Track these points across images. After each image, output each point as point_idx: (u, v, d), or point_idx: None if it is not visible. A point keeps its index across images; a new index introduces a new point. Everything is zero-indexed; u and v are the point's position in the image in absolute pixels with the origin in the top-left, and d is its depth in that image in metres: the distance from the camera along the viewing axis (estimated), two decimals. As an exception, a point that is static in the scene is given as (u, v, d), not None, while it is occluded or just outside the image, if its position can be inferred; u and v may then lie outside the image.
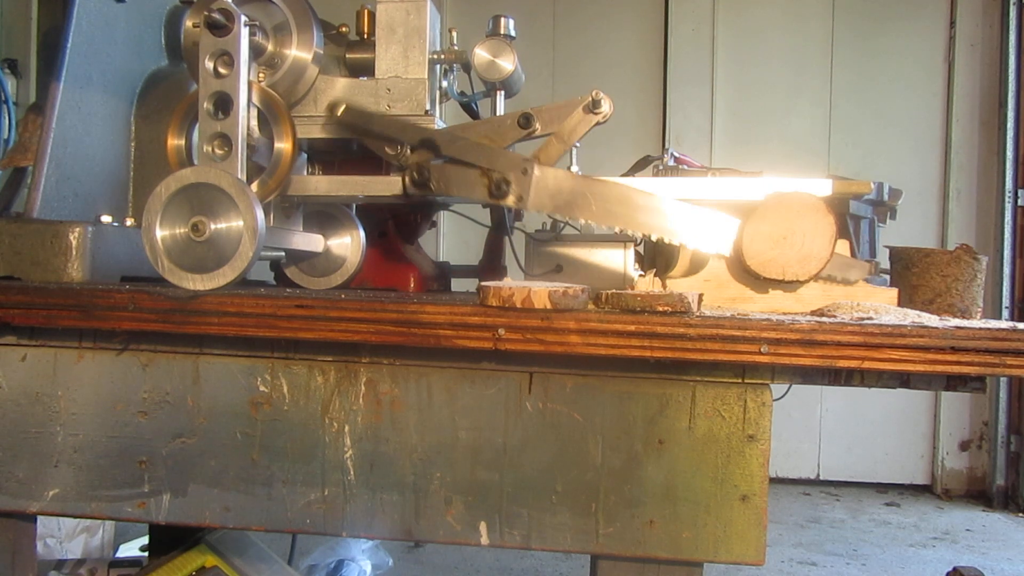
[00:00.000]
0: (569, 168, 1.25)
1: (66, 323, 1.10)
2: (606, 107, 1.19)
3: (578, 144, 1.26)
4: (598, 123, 1.20)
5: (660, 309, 0.99)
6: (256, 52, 1.22)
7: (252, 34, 1.19)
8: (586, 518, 1.07)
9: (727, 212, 1.16)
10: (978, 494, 4.73)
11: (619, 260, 1.42)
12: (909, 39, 4.82)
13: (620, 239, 1.44)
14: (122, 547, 3.14)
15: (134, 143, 1.48)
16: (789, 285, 1.15)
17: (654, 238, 1.16)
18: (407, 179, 1.22)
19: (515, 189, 1.16)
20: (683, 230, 1.15)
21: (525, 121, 1.22)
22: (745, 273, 1.15)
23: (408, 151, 1.22)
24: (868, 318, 1.00)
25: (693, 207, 1.14)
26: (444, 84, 1.37)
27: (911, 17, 4.81)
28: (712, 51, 4.92)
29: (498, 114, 1.35)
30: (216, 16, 1.15)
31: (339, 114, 1.23)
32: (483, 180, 1.18)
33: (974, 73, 4.76)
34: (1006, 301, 4.58)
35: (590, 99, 1.19)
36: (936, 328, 0.94)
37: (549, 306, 1.00)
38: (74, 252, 1.20)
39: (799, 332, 0.96)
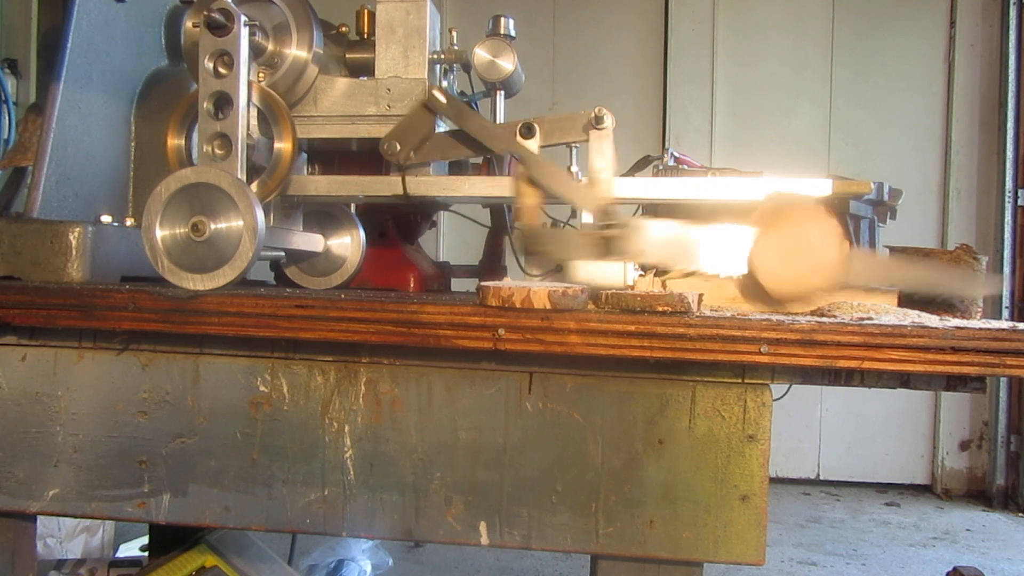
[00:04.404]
0: (569, 168, 1.25)
1: (66, 323, 1.10)
2: (608, 123, 1.19)
3: (577, 145, 1.26)
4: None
5: (660, 309, 0.99)
6: (256, 52, 1.22)
7: (252, 34, 1.19)
8: (586, 518, 1.07)
9: (728, 214, 1.16)
10: (978, 494, 4.73)
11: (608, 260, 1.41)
12: (909, 39, 4.82)
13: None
14: (122, 547, 3.14)
15: (134, 143, 1.48)
16: (808, 299, 1.11)
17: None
18: (520, 248, 1.20)
19: (626, 246, 1.15)
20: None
21: (527, 131, 1.22)
22: (762, 294, 1.13)
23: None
24: (868, 318, 1.00)
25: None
26: (444, 84, 1.37)
27: (911, 17, 4.81)
28: (712, 51, 4.92)
29: (498, 114, 1.35)
30: (216, 16, 1.15)
31: (441, 102, 1.23)
32: (600, 243, 1.17)
33: (974, 73, 4.76)
34: (1006, 301, 4.58)
35: (593, 115, 1.19)
36: (936, 328, 0.94)
37: (549, 306, 1.00)
38: (74, 252, 1.20)
39: (799, 332, 0.96)
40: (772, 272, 1.12)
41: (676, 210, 1.29)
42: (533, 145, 1.23)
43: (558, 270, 1.37)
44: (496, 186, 1.28)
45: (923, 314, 1.06)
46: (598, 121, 1.19)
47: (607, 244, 1.15)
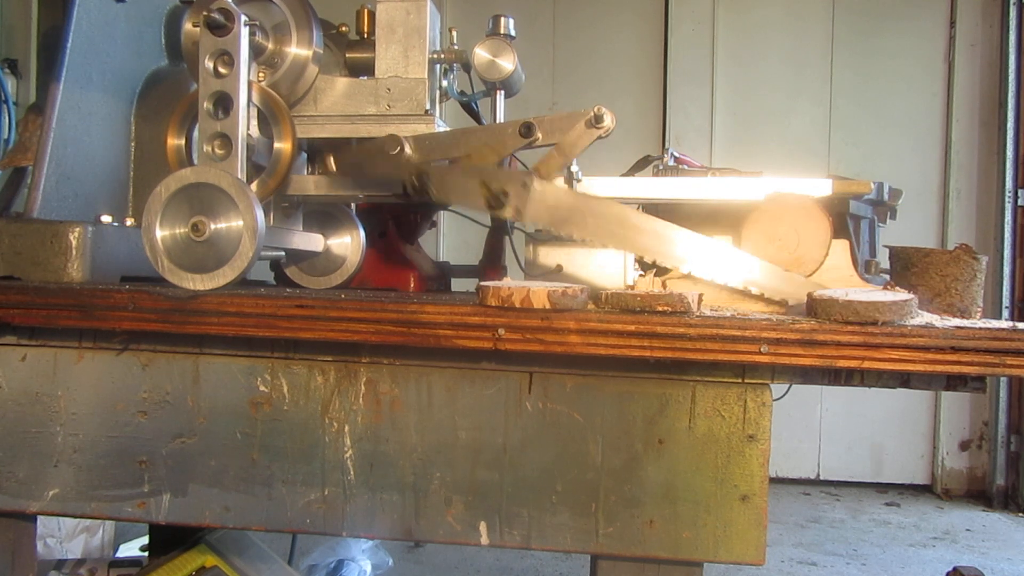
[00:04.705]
0: (569, 168, 1.25)
1: (66, 323, 1.10)
2: (608, 122, 1.19)
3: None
4: (600, 137, 1.20)
5: (660, 309, 0.99)
6: (256, 52, 1.22)
7: (252, 34, 1.19)
8: (586, 518, 1.07)
9: (727, 213, 1.16)
10: (978, 494, 4.73)
11: (619, 260, 1.42)
12: (909, 39, 4.82)
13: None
14: (122, 547, 3.14)
15: (134, 143, 1.48)
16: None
17: (648, 260, 1.17)
18: (408, 184, 1.22)
19: (513, 201, 1.17)
20: (679, 255, 1.15)
21: (527, 130, 1.22)
22: None
23: (410, 151, 1.22)
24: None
25: (690, 233, 1.14)
26: (444, 84, 1.36)
27: (911, 17, 4.81)
28: (712, 51, 4.92)
29: (498, 114, 1.35)
30: (216, 16, 1.15)
31: (333, 168, 1.27)
32: (482, 190, 1.18)
33: (974, 73, 4.76)
34: (1006, 301, 4.58)
35: (592, 114, 1.19)
36: (936, 328, 0.94)
37: (548, 306, 1.00)
38: (74, 252, 1.20)
39: (799, 332, 0.96)
40: (755, 254, 1.14)
41: (676, 211, 1.29)
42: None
43: (558, 270, 1.37)
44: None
45: (923, 314, 1.06)
46: (597, 120, 1.19)
47: (498, 197, 1.16)
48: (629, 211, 1.17)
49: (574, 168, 1.25)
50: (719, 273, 1.14)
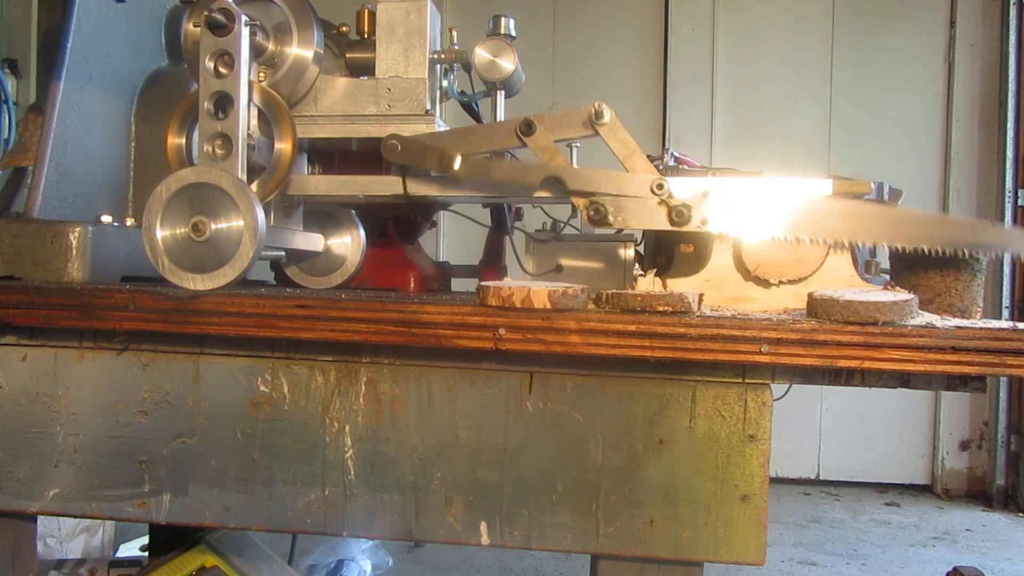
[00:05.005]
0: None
1: (66, 323, 1.10)
2: (607, 118, 1.19)
3: (578, 144, 1.26)
4: (600, 134, 1.20)
5: (660, 309, 0.99)
6: (256, 52, 1.22)
7: (252, 34, 1.19)
8: (586, 518, 1.07)
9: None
10: (978, 494, 4.73)
11: (619, 260, 1.42)
12: (909, 39, 4.82)
13: (621, 239, 1.44)
14: (122, 547, 3.14)
15: (134, 143, 1.48)
16: (785, 287, 1.15)
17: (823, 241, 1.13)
18: (588, 215, 1.17)
19: (696, 212, 1.15)
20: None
21: (527, 128, 1.22)
22: (747, 273, 1.15)
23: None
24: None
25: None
26: (444, 84, 1.36)
27: (911, 17, 4.81)
28: (712, 51, 4.92)
29: (499, 114, 1.35)
30: (216, 16, 1.15)
31: (456, 169, 1.22)
32: (662, 208, 1.17)
33: (974, 73, 4.76)
34: (1006, 301, 4.58)
35: (592, 111, 1.19)
36: (936, 328, 0.94)
37: (549, 306, 1.00)
38: (74, 252, 1.20)
39: (799, 332, 0.96)
40: (756, 254, 1.14)
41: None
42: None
43: (559, 270, 1.37)
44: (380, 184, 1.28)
45: (923, 314, 1.06)
46: (598, 116, 1.19)
47: (679, 211, 1.15)
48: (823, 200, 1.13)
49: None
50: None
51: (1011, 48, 4.63)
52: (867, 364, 0.95)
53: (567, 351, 1.00)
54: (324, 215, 1.47)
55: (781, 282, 1.14)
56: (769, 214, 1.14)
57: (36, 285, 1.13)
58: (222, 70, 1.17)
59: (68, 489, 1.17)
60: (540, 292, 1.00)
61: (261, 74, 1.25)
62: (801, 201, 1.13)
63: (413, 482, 1.11)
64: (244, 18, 1.16)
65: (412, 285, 1.63)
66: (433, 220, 1.79)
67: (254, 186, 1.22)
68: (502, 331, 1.00)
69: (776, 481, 4.78)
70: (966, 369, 0.94)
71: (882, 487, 4.84)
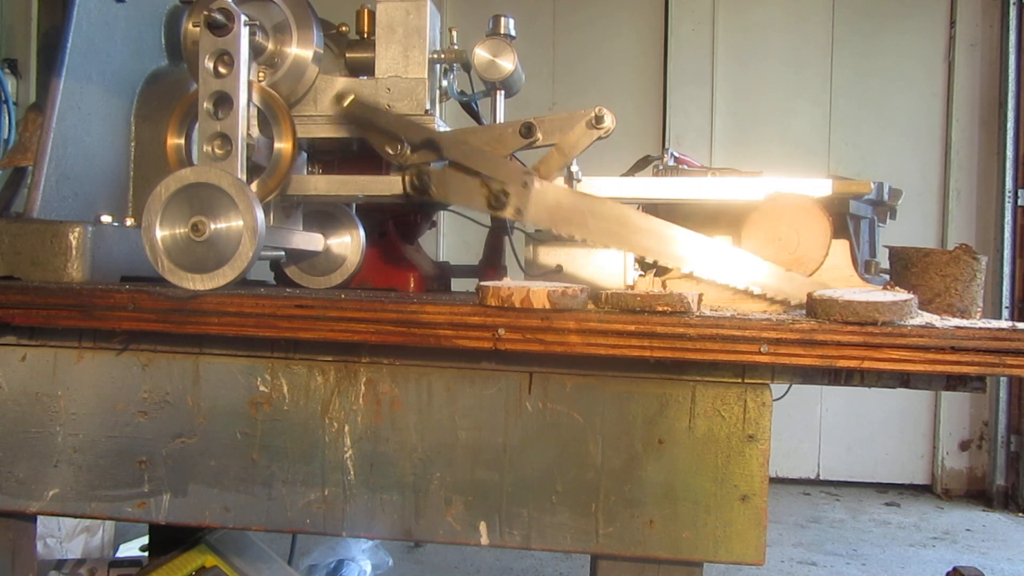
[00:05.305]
0: (568, 168, 1.25)
1: (66, 323, 1.10)
2: (608, 122, 1.19)
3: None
4: (600, 138, 1.20)
5: (660, 309, 0.99)
6: (256, 51, 1.22)
7: (252, 33, 1.19)
8: (586, 518, 1.07)
9: (727, 213, 1.16)
10: (978, 494, 4.73)
11: (619, 260, 1.41)
12: (909, 39, 4.82)
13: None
14: (122, 547, 3.14)
15: (134, 143, 1.48)
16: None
17: (649, 260, 1.17)
18: (406, 182, 1.22)
19: (514, 201, 1.17)
20: (680, 255, 1.15)
21: (527, 131, 1.22)
22: None
23: (409, 151, 1.22)
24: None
25: (692, 234, 1.14)
26: (444, 84, 1.36)
27: (911, 17, 4.81)
28: (712, 51, 4.92)
29: (498, 114, 1.35)
30: (216, 16, 1.15)
31: (345, 105, 1.23)
32: (483, 190, 1.18)
33: (974, 73, 4.76)
34: (1006, 301, 4.58)
35: (593, 114, 1.19)
36: (936, 328, 0.94)
37: (548, 306, 1.00)
38: (74, 252, 1.20)
39: (799, 332, 0.96)
40: (755, 253, 1.14)
41: (676, 210, 1.29)
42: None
43: (558, 270, 1.37)
44: (381, 183, 1.28)
45: (923, 314, 1.06)
46: (598, 120, 1.19)
47: (499, 197, 1.16)
48: (630, 211, 1.17)
49: (574, 168, 1.25)
50: (721, 273, 1.14)
51: (1011, 48, 4.62)
52: (867, 364, 0.95)
53: (566, 351, 1.00)
54: (324, 215, 1.47)
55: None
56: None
57: (36, 285, 1.13)
58: (222, 70, 1.17)
59: (68, 489, 1.17)
60: (539, 292, 1.00)
61: (261, 74, 1.25)
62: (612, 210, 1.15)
63: (413, 482, 1.11)
64: (244, 18, 1.16)
65: (412, 285, 1.63)
66: (433, 220, 1.79)
67: (254, 186, 1.22)
68: (501, 331, 1.00)
69: (776, 481, 4.78)
70: (966, 369, 0.94)
71: (882, 487, 4.84)
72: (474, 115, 1.48)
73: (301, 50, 1.26)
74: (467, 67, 1.35)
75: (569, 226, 1.17)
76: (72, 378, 1.17)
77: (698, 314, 1.00)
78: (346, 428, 1.12)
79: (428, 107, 1.28)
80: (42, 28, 1.52)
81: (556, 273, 1.40)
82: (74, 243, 1.20)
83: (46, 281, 1.18)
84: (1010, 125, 4.62)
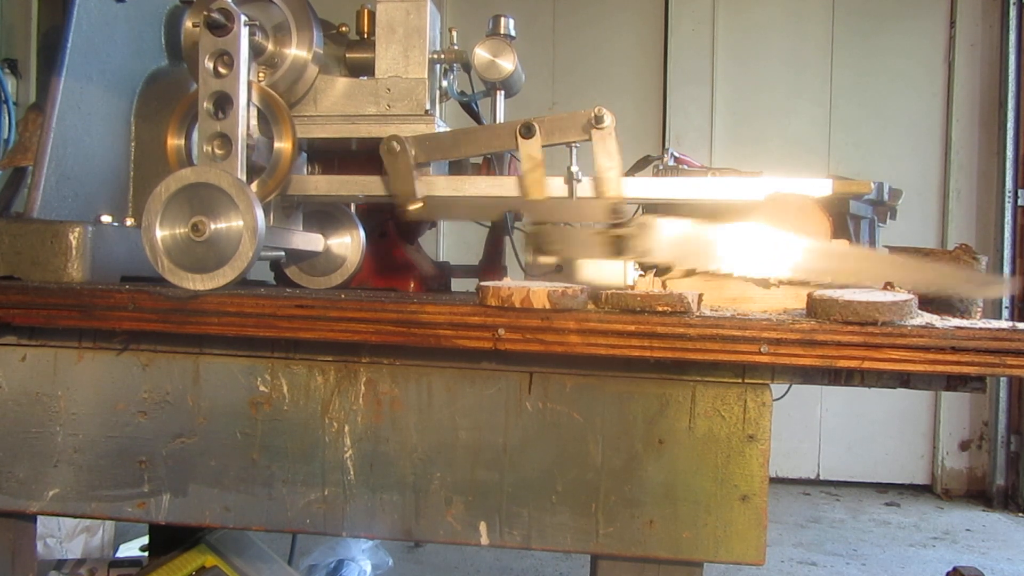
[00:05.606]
0: (569, 168, 1.25)
1: (66, 323, 1.10)
2: (608, 122, 1.19)
3: (577, 145, 1.26)
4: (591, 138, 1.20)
5: (660, 309, 0.99)
6: (256, 52, 1.22)
7: (252, 34, 1.19)
8: (586, 518, 1.07)
9: (728, 213, 1.16)
10: (978, 494, 4.73)
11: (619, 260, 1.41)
12: (909, 39, 4.82)
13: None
14: (122, 547, 3.14)
15: (134, 143, 1.48)
16: (784, 287, 1.15)
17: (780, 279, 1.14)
18: (531, 249, 1.20)
19: (637, 245, 1.16)
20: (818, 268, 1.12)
21: (527, 131, 1.22)
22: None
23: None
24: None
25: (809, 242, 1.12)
26: (444, 84, 1.37)
27: (911, 17, 4.81)
28: (712, 51, 4.91)
29: (498, 114, 1.35)
30: (216, 16, 1.15)
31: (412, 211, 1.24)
32: (608, 244, 1.17)
33: (974, 73, 4.76)
34: (1006, 301, 4.57)
35: (592, 115, 1.19)
36: (936, 328, 0.94)
37: (548, 306, 1.00)
38: (74, 252, 1.20)
39: (799, 332, 0.96)
40: None
41: (675, 210, 1.29)
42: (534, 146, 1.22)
43: (558, 270, 1.37)
44: (498, 185, 1.28)
45: (923, 314, 1.06)
46: (598, 120, 1.19)
47: (618, 243, 1.16)
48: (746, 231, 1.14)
49: (574, 168, 1.25)
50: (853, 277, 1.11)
51: (1011, 48, 4.62)
52: (867, 364, 0.95)
53: (567, 351, 1.00)
54: (324, 215, 1.47)
55: (781, 282, 1.14)
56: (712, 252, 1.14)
57: (36, 285, 1.13)
58: (221, 70, 1.17)
59: (68, 489, 1.17)
60: (539, 292, 1.00)
61: (260, 74, 1.25)
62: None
63: (413, 482, 1.11)
64: (243, 18, 1.16)
65: (412, 285, 1.63)
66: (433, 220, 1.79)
67: (254, 186, 1.22)
68: (501, 331, 1.00)
69: (776, 481, 4.77)
70: (966, 369, 0.94)
71: (882, 487, 4.84)
72: (474, 115, 1.48)
73: (301, 50, 1.26)
74: (467, 67, 1.35)
75: (695, 258, 1.14)
76: (72, 378, 1.17)
77: (698, 314, 1.00)
78: (346, 428, 1.12)
79: (428, 107, 1.28)
80: (42, 28, 1.53)
81: (556, 273, 1.40)
82: (74, 243, 1.20)
83: (46, 281, 1.18)
84: (1010, 125, 4.62)
